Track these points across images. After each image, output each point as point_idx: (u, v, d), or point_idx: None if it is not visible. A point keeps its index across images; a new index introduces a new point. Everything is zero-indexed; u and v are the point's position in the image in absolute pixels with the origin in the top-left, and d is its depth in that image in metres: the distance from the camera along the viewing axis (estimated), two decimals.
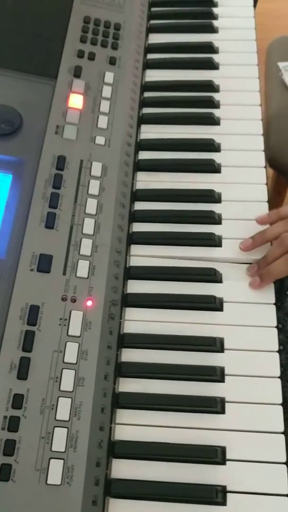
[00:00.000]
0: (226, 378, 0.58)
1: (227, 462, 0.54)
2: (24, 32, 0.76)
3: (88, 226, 0.63)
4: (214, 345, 0.60)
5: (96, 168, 0.67)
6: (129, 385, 0.58)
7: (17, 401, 0.52)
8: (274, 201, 1.26)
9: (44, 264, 0.59)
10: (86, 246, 0.62)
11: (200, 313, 0.62)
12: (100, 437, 0.54)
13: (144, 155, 0.75)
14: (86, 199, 0.65)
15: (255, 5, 0.92)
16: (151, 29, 0.88)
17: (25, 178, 0.64)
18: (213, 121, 0.77)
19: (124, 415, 0.57)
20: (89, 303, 0.59)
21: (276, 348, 0.60)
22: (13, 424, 0.51)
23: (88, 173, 0.66)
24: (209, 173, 0.73)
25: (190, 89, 0.81)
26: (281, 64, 1.17)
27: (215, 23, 0.87)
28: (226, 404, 0.57)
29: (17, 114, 0.68)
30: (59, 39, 0.76)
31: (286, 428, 0.56)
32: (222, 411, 0.57)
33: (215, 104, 0.79)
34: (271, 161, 1.09)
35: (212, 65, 0.83)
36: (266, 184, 0.72)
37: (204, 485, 0.53)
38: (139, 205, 0.71)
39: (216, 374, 0.58)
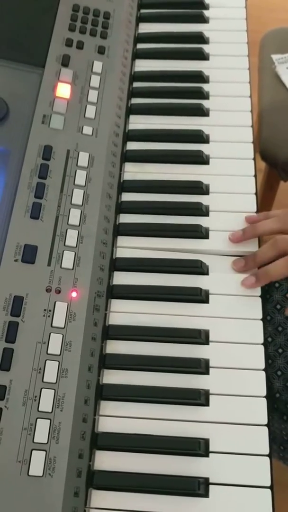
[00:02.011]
0: (211, 370, 0.58)
1: (210, 454, 0.54)
2: (11, 20, 0.75)
3: (74, 216, 0.63)
4: (199, 337, 0.59)
5: (83, 158, 0.67)
6: (113, 377, 0.58)
7: (0, 392, 0.52)
8: (266, 195, 1.25)
9: (28, 254, 0.59)
10: (71, 237, 0.61)
11: (185, 305, 0.62)
12: (83, 429, 0.53)
13: (132, 145, 0.74)
14: (73, 190, 0.64)
15: None
16: (141, 19, 0.87)
17: (10, 168, 0.64)
18: (202, 112, 0.77)
19: (108, 407, 0.57)
20: (74, 294, 0.58)
21: (261, 340, 0.60)
22: None
23: (74, 163, 0.66)
24: (198, 164, 0.73)
25: (179, 79, 0.80)
26: (274, 57, 1.17)
27: (206, 13, 0.87)
28: (210, 396, 0.57)
29: (3, 103, 0.67)
30: (47, 27, 0.75)
31: (271, 420, 0.56)
32: (206, 403, 0.56)
33: (204, 95, 0.78)
34: (263, 154, 1.09)
35: (202, 56, 0.82)
36: (255, 176, 0.72)
37: (187, 477, 0.53)
38: (126, 196, 0.70)
39: (200, 366, 0.58)
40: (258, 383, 0.58)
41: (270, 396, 0.62)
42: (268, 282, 0.64)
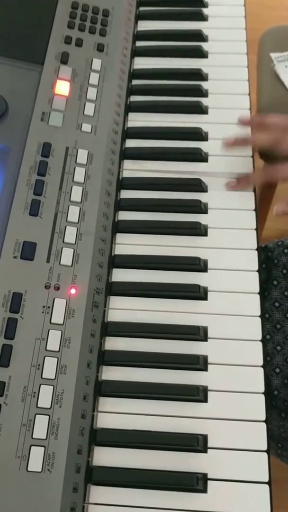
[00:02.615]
0: (209, 366, 0.58)
1: (209, 450, 0.54)
2: (10, 17, 0.75)
3: (73, 213, 0.63)
4: (198, 334, 0.60)
5: (82, 156, 0.67)
6: (112, 373, 0.58)
7: None
8: (265, 193, 1.25)
9: (27, 251, 0.59)
10: (70, 234, 0.61)
11: (184, 302, 0.62)
12: (82, 425, 0.54)
13: (131, 143, 0.74)
14: (71, 187, 0.64)
15: None
16: (140, 16, 0.87)
17: (9, 165, 0.64)
18: (201, 109, 0.77)
19: (106, 403, 0.57)
20: (73, 291, 0.58)
21: (260, 337, 0.60)
22: None
23: (73, 161, 0.66)
24: (196, 162, 0.73)
25: (178, 77, 0.80)
26: (273, 55, 1.17)
27: (205, 11, 0.87)
28: (209, 393, 0.57)
29: (2, 101, 0.67)
30: (46, 25, 0.75)
31: (269, 417, 0.56)
32: (204, 399, 0.57)
33: (203, 93, 0.78)
34: (261, 152, 1.08)
35: (201, 54, 0.82)
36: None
37: (185, 472, 0.53)
38: (125, 194, 0.70)
39: (199, 363, 0.58)
40: (256, 379, 0.58)
41: (269, 394, 0.62)
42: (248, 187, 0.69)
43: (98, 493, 0.53)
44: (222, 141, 0.70)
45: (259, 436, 0.55)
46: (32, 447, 0.51)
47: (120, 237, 0.67)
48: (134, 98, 0.78)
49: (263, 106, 1.12)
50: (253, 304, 0.62)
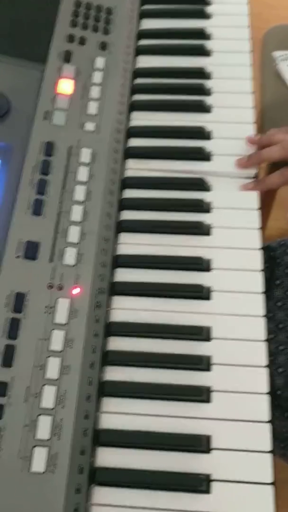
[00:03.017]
0: (213, 367, 0.58)
1: (212, 451, 0.54)
2: (13, 15, 0.75)
3: (76, 213, 0.63)
4: (201, 334, 0.59)
5: (85, 155, 0.66)
6: (115, 374, 0.58)
7: (1, 388, 0.52)
8: (268, 192, 1.25)
9: (30, 251, 0.59)
10: (73, 234, 0.61)
11: (187, 302, 0.62)
12: (85, 425, 0.53)
13: (134, 142, 0.74)
14: (75, 186, 0.64)
15: None
16: (143, 14, 0.86)
17: (12, 164, 0.64)
18: (204, 108, 0.76)
19: (110, 404, 0.56)
20: (76, 291, 0.58)
21: (264, 337, 0.60)
22: None
23: (76, 160, 0.66)
24: (199, 161, 0.72)
25: (181, 75, 0.80)
26: (276, 54, 1.16)
27: (208, 9, 0.86)
28: (212, 393, 0.57)
29: (5, 99, 0.67)
30: (49, 23, 0.75)
31: (272, 417, 0.56)
32: (208, 400, 0.56)
33: (206, 91, 0.78)
34: None
35: (204, 52, 0.82)
36: (257, 173, 0.72)
37: (189, 473, 0.53)
38: (128, 193, 0.70)
39: (202, 363, 0.58)
40: (260, 380, 0.58)
41: (271, 393, 0.62)
42: (265, 189, 0.70)
43: (102, 494, 0.52)
44: (235, 162, 0.71)
45: (262, 437, 0.55)
46: (35, 448, 0.51)
47: (123, 237, 0.67)
48: (137, 97, 0.78)
49: (266, 104, 1.12)
50: (257, 304, 0.62)
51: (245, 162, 0.70)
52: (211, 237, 0.67)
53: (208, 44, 0.83)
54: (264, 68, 1.17)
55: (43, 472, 0.50)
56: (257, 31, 0.90)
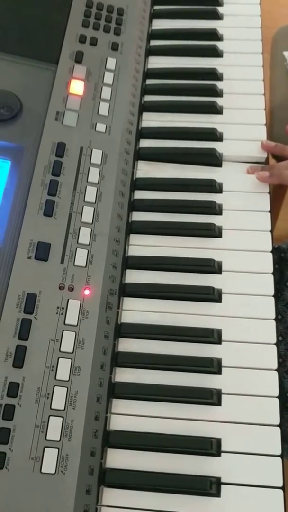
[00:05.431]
0: (223, 370, 0.58)
1: (222, 454, 0.54)
2: (25, 16, 0.75)
3: (87, 214, 0.63)
4: (212, 336, 0.59)
5: (96, 156, 0.66)
6: (125, 375, 0.58)
7: (13, 389, 0.52)
8: (276, 193, 1.25)
9: (42, 252, 0.59)
10: (84, 235, 0.61)
11: (198, 304, 0.62)
12: (95, 427, 0.54)
13: (145, 143, 0.74)
14: (86, 187, 0.64)
15: None
16: (154, 15, 0.86)
17: (23, 165, 0.64)
18: (216, 110, 0.76)
19: (120, 405, 0.57)
20: (87, 292, 0.58)
21: (274, 340, 0.60)
22: (8, 412, 0.51)
23: (88, 161, 0.66)
24: (211, 163, 0.72)
25: (193, 77, 0.80)
26: (286, 53, 1.16)
27: (220, 9, 0.86)
28: (223, 396, 0.57)
29: (16, 100, 0.67)
30: (61, 24, 0.75)
31: (281, 419, 0.56)
32: (218, 403, 0.56)
33: (218, 93, 0.78)
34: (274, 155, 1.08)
35: (216, 53, 0.82)
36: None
37: (199, 476, 0.53)
38: (139, 194, 0.70)
39: (213, 366, 0.58)
40: (270, 383, 0.57)
41: (281, 395, 0.62)
42: (277, 183, 0.71)
43: (111, 496, 0.53)
44: (255, 173, 0.71)
45: (273, 440, 0.55)
46: (46, 449, 0.51)
47: (134, 238, 0.67)
48: (148, 98, 0.78)
49: (275, 104, 1.11)
50: (268, 307, 0.62)
51: (266, 178, 0.70)
52: (222, 239, 0.67)
53: (220, 45, 0.82)
54: (274, 67, 1.16)
55: (54, 473, 0.50)
56: (267, 30, 0.89)
